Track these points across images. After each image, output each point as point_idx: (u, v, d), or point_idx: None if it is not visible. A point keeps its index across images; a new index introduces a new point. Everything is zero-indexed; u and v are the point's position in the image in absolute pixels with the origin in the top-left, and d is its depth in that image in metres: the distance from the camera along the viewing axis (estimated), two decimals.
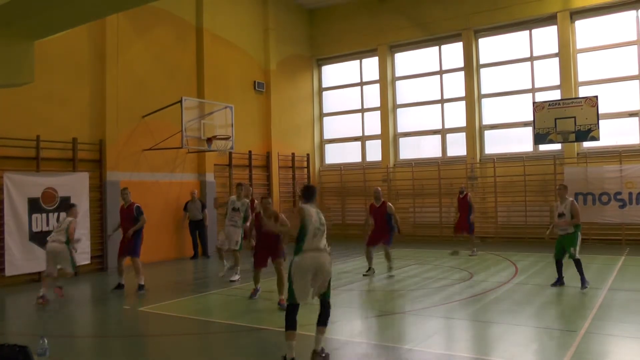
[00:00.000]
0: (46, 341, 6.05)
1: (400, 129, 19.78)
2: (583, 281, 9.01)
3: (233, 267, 11.04)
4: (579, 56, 16.64)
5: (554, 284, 9.44)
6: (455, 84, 18.58)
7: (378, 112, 19.83)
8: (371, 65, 20.35)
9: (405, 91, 19.81)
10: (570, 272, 10.98)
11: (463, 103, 18.27)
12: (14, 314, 9.26)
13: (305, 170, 20.46)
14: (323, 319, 5.84)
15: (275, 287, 10.36)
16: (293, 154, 19.74)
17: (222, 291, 10.11)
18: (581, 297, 8.71)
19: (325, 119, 21.47)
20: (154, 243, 14.13)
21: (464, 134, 18.24)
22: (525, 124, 17.15)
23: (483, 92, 18.17)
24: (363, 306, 8.75)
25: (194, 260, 14.93)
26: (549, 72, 17.10)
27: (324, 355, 5.74)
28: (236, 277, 10.90)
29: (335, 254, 15.09)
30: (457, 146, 18.51)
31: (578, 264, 9.09)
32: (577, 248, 9.09)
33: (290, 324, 5.73)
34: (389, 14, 19.44)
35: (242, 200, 10.97)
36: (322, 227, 5.85)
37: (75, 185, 12.39)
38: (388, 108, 19.58)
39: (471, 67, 18.01)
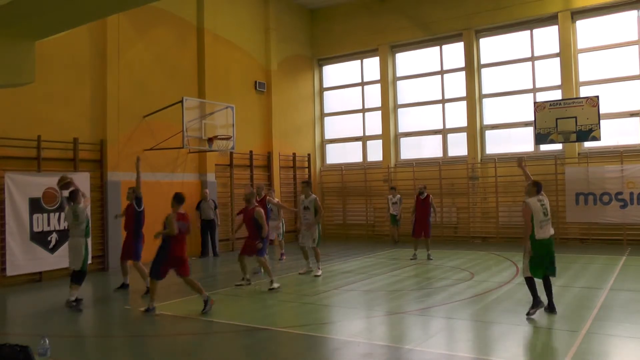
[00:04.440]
0: (47, 341, 6.06)
1: (401, 129, 19.77)
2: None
3: (315, 263, 11.62)
4: (580, 56, 16.62)
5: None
6: (456, 84, 18.57)
7: (379, 112, 19.83)
8: (372, 65, 20.35)
9: (406, 91, 19.80)
10: (570, 274, 10.98)
11: (464, 103, 18.26)
12: (15, 314, 9.27)
13: (306, 170, 20.46)
14: None
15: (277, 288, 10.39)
16: (294, 154, 19.75)
17: (223, 291, 10.11)
18: (582, 298, 8.70)
19: (326, 119, 21.48)
20: (155, 243, 14.13)
21: (464, 134, 18.23)
22: (526, 124, 17.13)
23: (484, 92, 18.16)
24: (363, 306, 8.75)
25: (202, 259, 14.98)
26: (550, 72, 17.07)
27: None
28: (319, 272, 11.41)
29: (336, 253, 15.11)
30: (458, 146, 18.50)
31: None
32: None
33: None
34: (389, 14, 19.44)
35: (309, 198, 11.54)
36: None
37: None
38: (389, 108, 19.58)
39: (472, 67, 18.01)
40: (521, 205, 7.99)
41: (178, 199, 8.45)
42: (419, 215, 13.69)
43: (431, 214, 13.70)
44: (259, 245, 9.85)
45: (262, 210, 10.14)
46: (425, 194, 13.77)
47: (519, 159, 8.98)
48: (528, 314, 7.27)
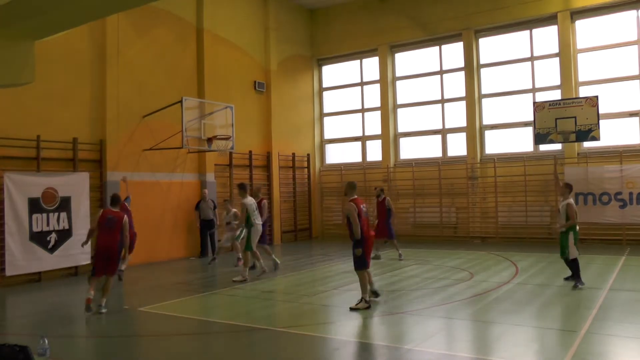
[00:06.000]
0: (46, 341, 6.06)
1: (400, 129, 19.77)
2: None
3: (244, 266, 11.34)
4: (580, 56, 16.63)
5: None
6: (456, 84, 18.57)
7: (378, 112, 19.82)
8: (371, 65, 20.35)
9: (405, 91, 19.79)
10: (570, 274, 10.97)
11: (463, 103, 18.26)
12: (14, 314, 9.27)
13: (306, 170, 20.46)
14: None
15: (275, 288, 10.39)
16: (293, 154, 19.74)
17: (223, 291, 10.11)
18: (582, 298, 8.70)
19: (326, 119, 21.47)
20: (155, 243, 14.16)
21: (464, 134, 18.24)
22: (525, 124, 17.14)
23: (483, 92, 18.16)
24: None
25: (202, 259, 14.97)
26: (549, 72, 17.08)
27: None
28: (239, 277, 11.06)
29: (336, 254, 15.10)
30: (458, 146, 18.51)
31: None
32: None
33: None
34: (389, 14, 19.44)
35: (244, 200, 11.29)
36: None
37: (76, 185, 12.40)
38: (388, 108, 19.58)
39: (471, 67, 18.01)
40: (560, 206, 9.78)
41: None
42: (378, 217, 13.84)
43: (390, 216, 13.61)
44: (359, 251, 8.14)
45: (353, 205, 8.24)
46: (382, 196, 13.79)
47: (555, 172, 11.70)
48: (575, 286, 9.22)
